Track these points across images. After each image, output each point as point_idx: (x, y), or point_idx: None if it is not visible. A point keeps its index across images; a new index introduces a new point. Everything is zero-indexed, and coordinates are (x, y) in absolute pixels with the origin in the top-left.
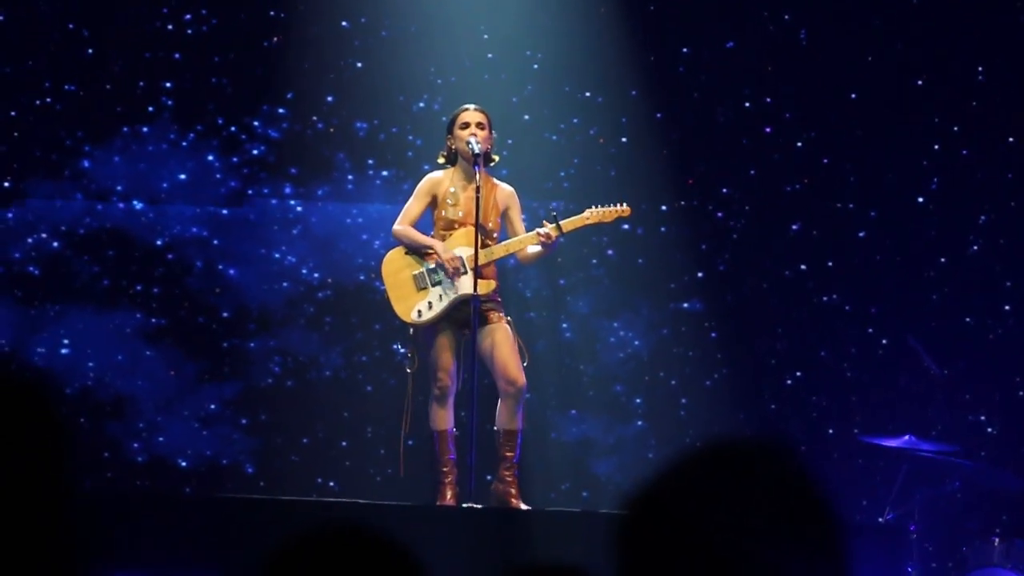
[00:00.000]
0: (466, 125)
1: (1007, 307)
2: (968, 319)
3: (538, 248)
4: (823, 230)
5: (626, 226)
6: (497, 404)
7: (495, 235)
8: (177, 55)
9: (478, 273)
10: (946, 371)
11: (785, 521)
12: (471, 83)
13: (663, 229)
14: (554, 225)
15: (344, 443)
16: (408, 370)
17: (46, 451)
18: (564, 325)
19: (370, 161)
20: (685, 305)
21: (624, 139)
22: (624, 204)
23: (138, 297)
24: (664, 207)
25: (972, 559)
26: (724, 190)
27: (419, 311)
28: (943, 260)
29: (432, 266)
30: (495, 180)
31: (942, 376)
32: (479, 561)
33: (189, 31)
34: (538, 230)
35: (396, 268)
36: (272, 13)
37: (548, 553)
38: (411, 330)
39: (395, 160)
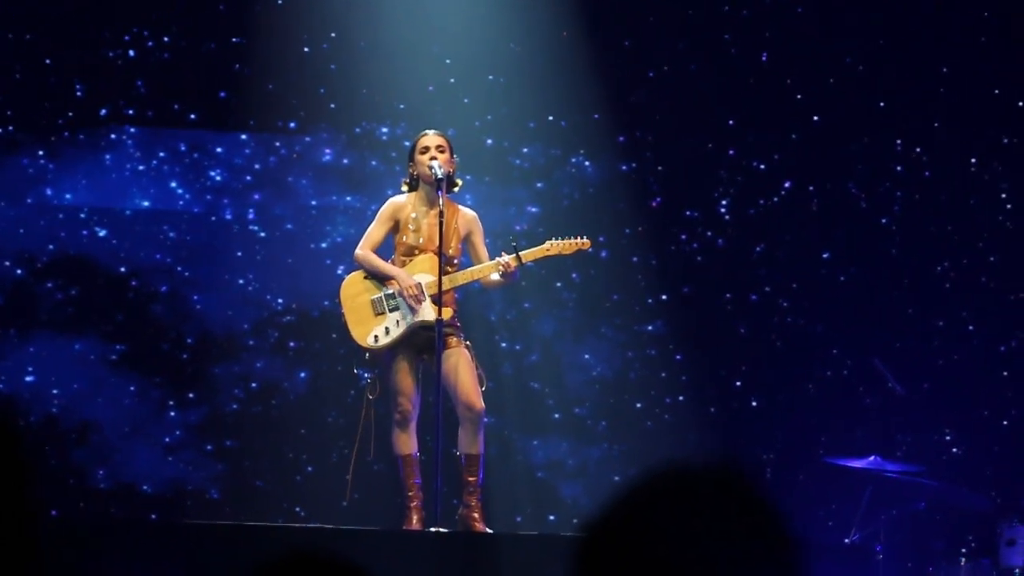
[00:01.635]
0: (426, 149)
1: (970, 327)
2: (932, 339)
3: (499, 277)
4: (787, 252)
5: (590, 249)
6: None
7: (456, 261)
8: (139, 81)
9: (440, 299)
10: (910, 392)
11: (745, 544)
12: (434, 108)
13: (627, 252)
14: (514, 255)
15: (310, 468)
16: (369, 396)
17: (9, 479)
18: (529, 349)
19: (334, 187)
20: (649, 328)
21: (587, 163)
22: (584, 237)
23: (102, 324)
24: (628, 230)
25: None
26: (688, 212)
27: (375, 336)
28: (906, 281)
29: (390, 291)
30: (457, 205)
31: (906, 396)
32: None
33: (152, 57)
34: (498, 259)
35: (354, 292)
36: (235, 40)
37: None
38: (367, 355)
39: (359, 186)
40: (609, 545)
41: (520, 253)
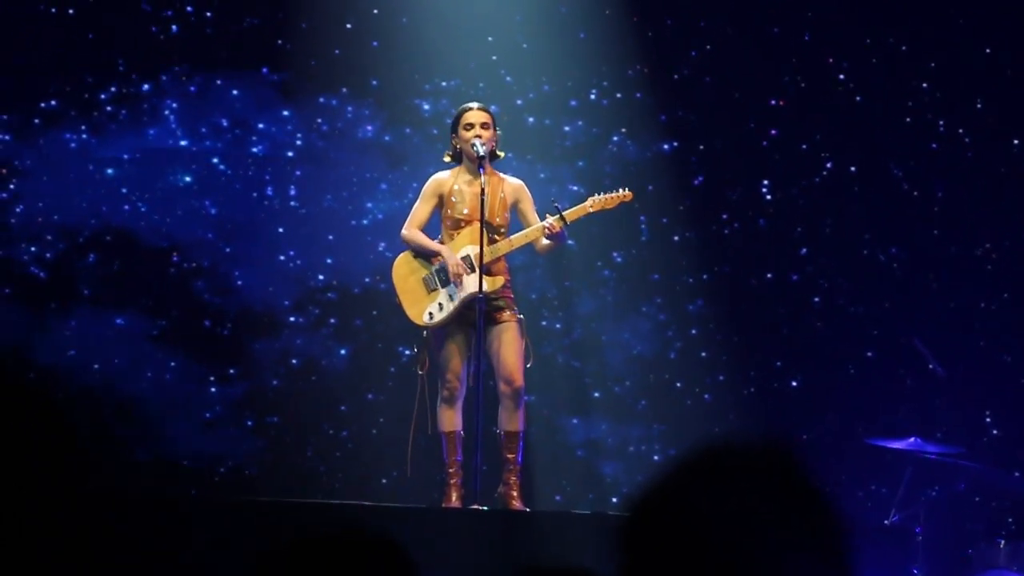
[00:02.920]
0: (470, 126)
1: (1011, 309)
2: (973, 321)
3: (548, 241)
4: (828, 233)
5: (631, 228)
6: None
7: (503, 231)
8: (182, 57)
9: (484, 271)
10: (950, 373)
11: (789, 522)
12: (475, 85)
13: (668, 232)
14: (557, 216)
15: (350, 445)
16: (419, 371)
17: (47, 451)
18: (570, 327)
19: (375, 163)
20: (690, 307)
21: (629, 142)
22: (626, 189)
23: (143, 299)
24: (669, 210)
25: (978, 561)
26: (729, 192)
27: (430, 313)
28: (948, 262)
29: (440, 267)
30: (502, 175)
31: (947, 378)
32: (484, 563)
33: (194, 32)
34: (542, 223)
35: (405, 272)
36: (278, 15)
37: (553, 555)
38: (424, 333)
39: (400, 162)
40: (653, 524)
41: (563, 213)
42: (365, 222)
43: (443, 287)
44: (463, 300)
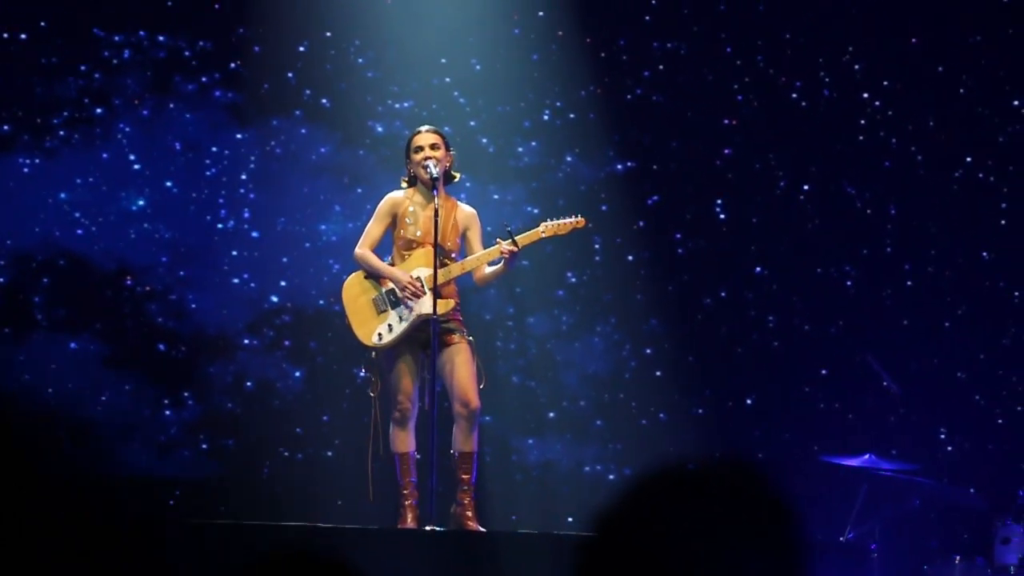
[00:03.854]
0: (419, 149)
1: (965, 325)
2: (926, 338)
3: (496, 267)
4: (782, 251)
5: (585, 248)
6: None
7: (454, 255)
8: (133, 80)
9: (436, 293)
10: (904, 390)
11: (747, 541)
12: (428, 106)
13: (622, 251)
14: (510, 240)
15: (305, 467)
16: (371, 394)
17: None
18: (524, 347)
19: (329, 184)
20: (644, 327)
21: (582, 162)
22: (579, 216)
23: (97, 323)
24: (623, 230)
25: None
26: (683, 212)
27: (379, 334)
28: (901, 279)
29: (389, 289)
30: (456, 200)
31: (901, 395)
32: None
33: (148, 56)
34: (495, 246)
35: (356, 293)
36: (231, 38)
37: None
38: (372, 353)
39: (354, 184)
40: (608, 543)
41: (516, 238)
42: (319, 244)
43: (392, 308)
44: (412, 322)
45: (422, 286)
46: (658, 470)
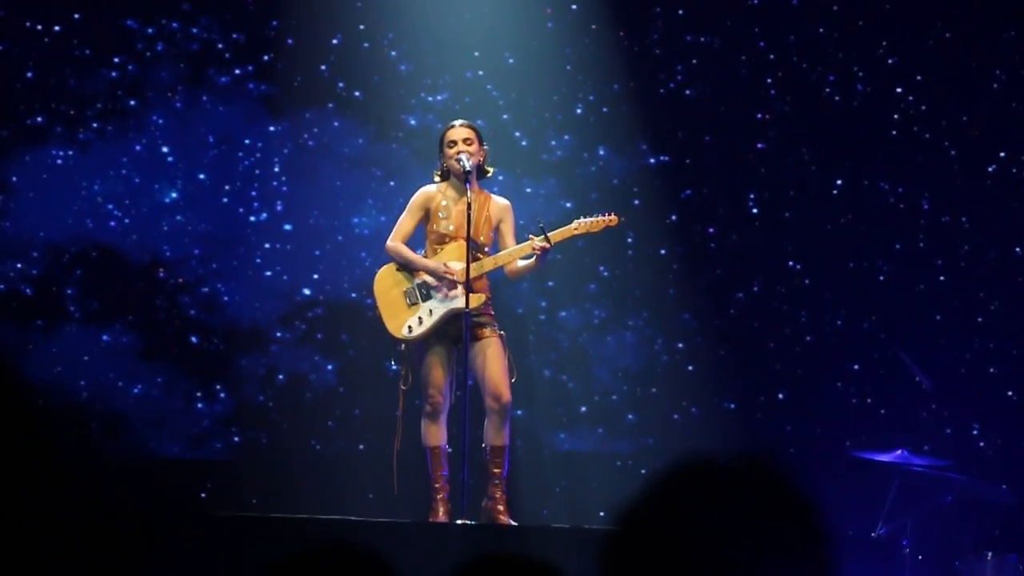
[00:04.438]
0: (453, 143)
1: (999, 320)
2: (959, 332)
3: (528, 261)
4: (816, 246)
5: (618, 242)
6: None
7: (487, 249)
8: (165, 72)
9: (469, 287)
10: (937, 385)
11: (774, 536)
12: (461, 100)
13: (655, 245)
14: (542, 237)
15: (337, 460)
16: (402, 387)
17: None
18: (556, 341)
19: (363, 178)
20: (677, 321)
21: (615, 156)
22: (612, 214)
23: (129, 315)
24: (656, 223)
25: (965, 573)
26: (716, 206)
27: (409, 327)
28: (934, 274)
29: (422, 281)
30: (489, 193)
31: (933, 390)
32: None
33: (179, 48)
34: (527, 242)
35: (387, 285)
36: (264, 31)
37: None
38: (403, 346)
39: (387, 176)
40: (639, 537)
41: (548, 234)
42: (352, 237)
43: (423, 301)
44: (444, 315)
45: (455, 279)
46: (685, 464)
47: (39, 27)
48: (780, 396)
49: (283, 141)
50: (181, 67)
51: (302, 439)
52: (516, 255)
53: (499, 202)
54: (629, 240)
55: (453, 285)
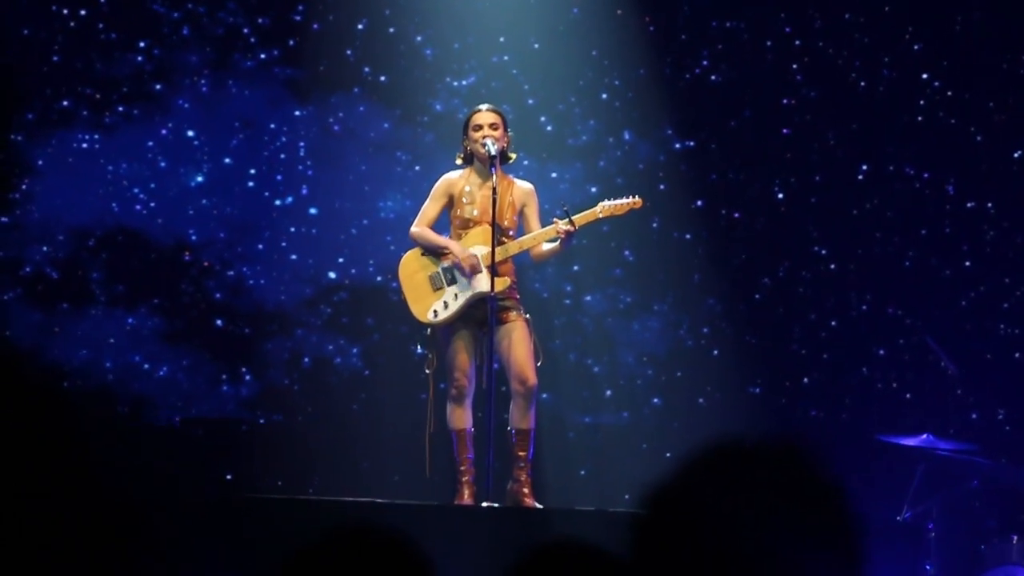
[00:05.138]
0: (479, 127)
1: (1023, 305)
2: (986, 317)
3: (553, 245)
4: (841, 230)
5: (643, 226)
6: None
7: (511, 233)
8: (194, 56)
9: (494, 271)
10: (963, 370)
11: (802, 519)
12: (488, 85)
13: (681, 230)
14: (567, 220)
15: (363, 443)
16: (427, 371)
17: (59, 451)
18: (582, 325)
19: (387, 162)
20: (702, 305)
21: (641, 141)
22: (636, 196)
23: (155, 298)
24: (681, 208)
25: (990, 557)
26: (743, 191)
27: (435, 311)
28: (960, 259)
29: (447, 265)
30: (512, 178)
31: (959, 374)
32: (497, 560)
33: (207, 32)
34: (552, 226)
35: (412, 270)
36: (291, 16)
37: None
38: (428, 331)
39: (412, 161)
40: (664, 521)
41: (573, 217)
42: (377, 221)
43: (449, 285)
44: (469, 299)
45: (479, 263)
46: (712, 447)
47: (65, 11)
48: (805, 381)
49: (309, 125)
50: (207, 51)
51: (327, 423)
52: (541, 239)
53: (522, 186)
54: (654, 225)
55: (478, 268)
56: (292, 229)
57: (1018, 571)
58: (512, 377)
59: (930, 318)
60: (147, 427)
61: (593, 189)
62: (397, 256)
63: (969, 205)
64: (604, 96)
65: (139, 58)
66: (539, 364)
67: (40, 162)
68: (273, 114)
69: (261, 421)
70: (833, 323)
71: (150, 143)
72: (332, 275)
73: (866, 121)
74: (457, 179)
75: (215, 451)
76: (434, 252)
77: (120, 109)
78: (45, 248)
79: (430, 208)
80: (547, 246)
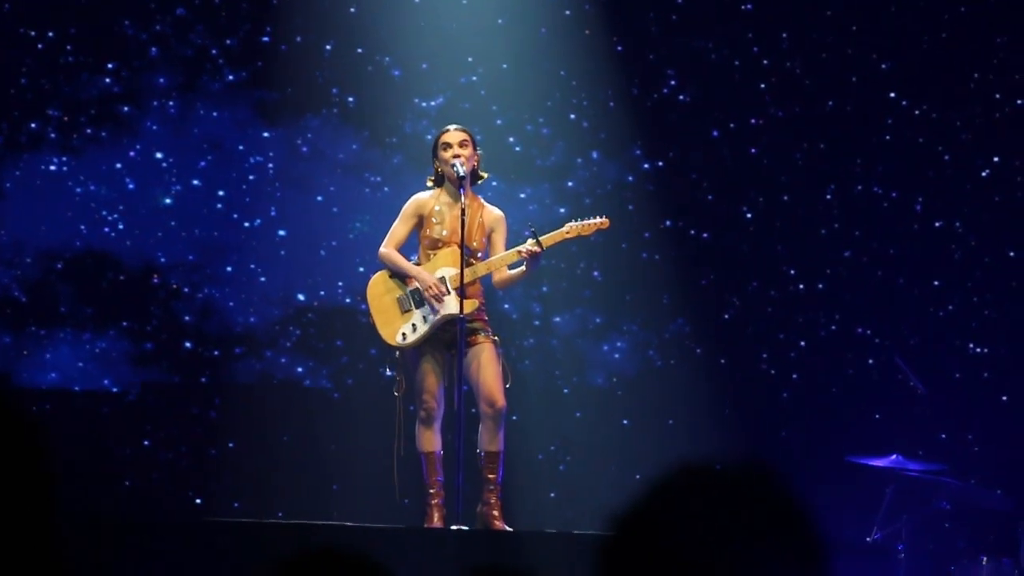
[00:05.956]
0: (447, 146)
1: (993, 326)
2: (954, 338)
3: (518, 270)
4: (809, 250)
5: (612, 246)
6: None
7: (480, 255)
8: (161, 79)
9: (463, 293)
10: (931, 390)
11: (770, 541)
12: (457, 106)
13: (649, 250)
14: (534, 241)
15: (332, 466)
16: (396, 393)
17: (27, 475)
18: (550, 347)
19: (357, 184)
20: (671, 326)
21: (609, 161)
22: (603, 216)
23: (123, 321)
24: (649, 228)
25: None
26: (710, 210)
27: (403, 334)
28: (928, 279)
29: (414, 288)
30: (483, 201)
31: (928, 395)
32: None
33: (174, 54)
34: (519, 247)
35: (380, 292)
36: (259, 38)
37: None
38: (397, 353)
39: (381, 182)
40: (633, 543)
41: (540, 238)
42: (346, 243)
43: (417, 308)
44: (437, 321)
45: (446, 288)
46: (679, 470)
47: (33, 33)
48: (774, 401)
49: (277, 147)
50: (175, 73)
51: (297, 445)
52: (509, 259)
53: (493, 212)
54: (623, 246)
55: (444, 294)
56: (261, 251)
57: None
58: (481, 399)
59: (899, 337)
60: (116, 451)
61: (562, 210)
62: (366, 278)
63: (937, 224)
64: (572, 116)
65: (107, 80)
66: (508, 386)
67: (8, 184)
68: (242, 136)
69: (231, 444)
70: (802, 343)
71: (118, 165)
72: (301, 297)
73: (834, 140)
74: (427, 199)
75: (184, 474)
76: (401, 276)
77: (88, 131)
78: (13, 271)
79: (399, 228)
80: (511, 271)
